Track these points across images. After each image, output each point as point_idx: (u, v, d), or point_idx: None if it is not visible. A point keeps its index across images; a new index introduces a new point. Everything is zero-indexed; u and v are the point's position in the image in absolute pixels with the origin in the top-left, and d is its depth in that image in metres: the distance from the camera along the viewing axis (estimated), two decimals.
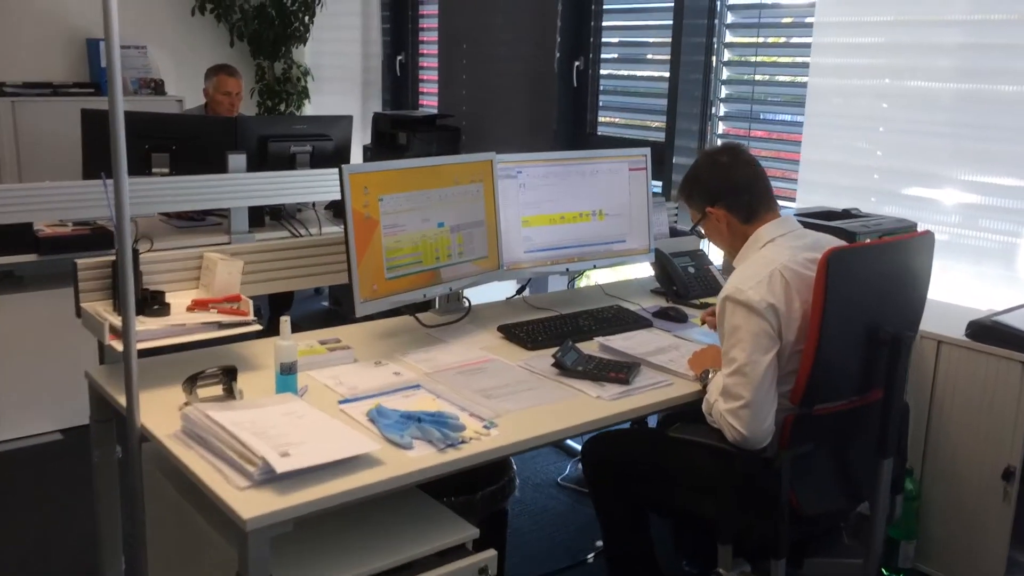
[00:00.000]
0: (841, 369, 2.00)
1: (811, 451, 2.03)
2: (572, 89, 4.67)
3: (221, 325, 2.17)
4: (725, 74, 4.06)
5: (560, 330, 2.54)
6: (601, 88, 4.67)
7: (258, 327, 2.21)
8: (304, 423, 1.83)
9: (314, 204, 4.15)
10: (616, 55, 4.57)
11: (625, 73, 4.58)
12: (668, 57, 4.14)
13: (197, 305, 2.23)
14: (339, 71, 6.22)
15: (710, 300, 2.94)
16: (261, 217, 3.95)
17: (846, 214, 3.09)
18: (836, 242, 2.14)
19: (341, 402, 2.05)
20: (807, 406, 1.98)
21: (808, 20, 3.62)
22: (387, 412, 1.95)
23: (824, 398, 1.99)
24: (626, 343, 2.46)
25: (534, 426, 1.96)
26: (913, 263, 2.10)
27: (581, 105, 4.69)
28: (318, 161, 4.08)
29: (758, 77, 3.88)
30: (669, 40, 4.11)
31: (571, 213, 2.80)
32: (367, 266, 2.26)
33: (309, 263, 2.55)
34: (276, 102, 6.25)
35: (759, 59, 3.90)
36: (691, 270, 3.04)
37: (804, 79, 3.57)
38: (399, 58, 5.86)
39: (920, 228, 2.95)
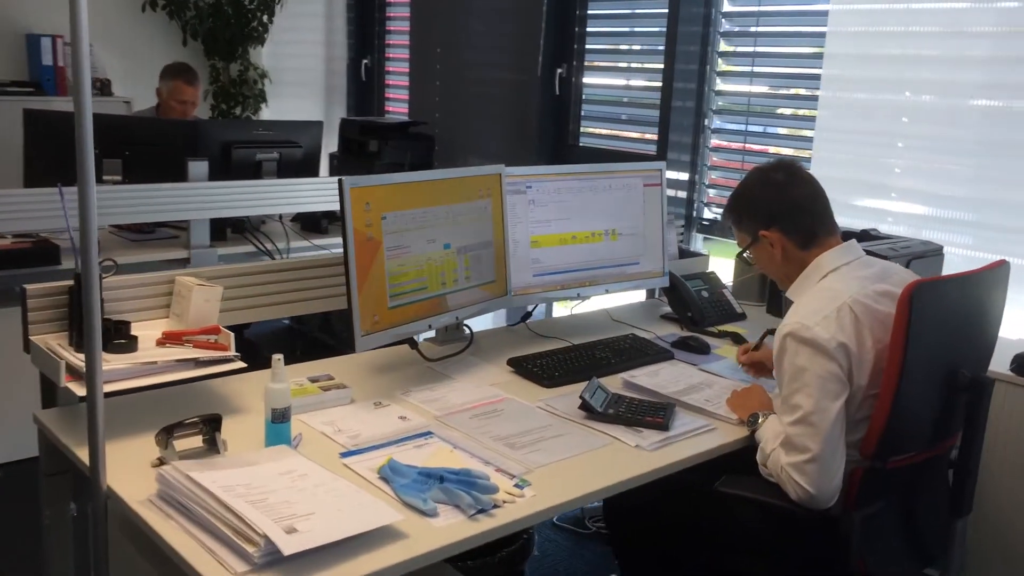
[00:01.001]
0: (919, 416, 1.77)
1: (881, 509, 1.79)
2: (554, 97, 4.42)
3: (199, 363, 1.85)
4: (719, 85, 3.85)
5: (576, 364, 2.28)
6: (584, 97, 4.43)
7: (241, 364, 1.90)
8: (309, 486, 1.53)
9: (281, 216, 3.83)
10: (602, 63, 4.33)
11: (611, 82, 4.35)
12: (658, 66, 3.92)
13: (169, 338, 1.91)
14: (300, 74, 5.88)
15: (728, 328, 2.70)
16: (223, 230, 3.61)
17: (866, 235, 2.88)
18: (906, 272, 1.91)
19: (344, 455, 1.75)
20: (880, 459, 1.74)
21: (810, 29, 3.44)
22: (402, 469, 1.66)
23: (899, 449, 1.76)
24: (653, 380, 2.21)
25: (572, 483, 1.69)
26: (989, 297, 1.89)
27: (563, 115, 4.44)
28: (286, 169, 3.77)
29: (755, 89, 3.68)
30: (660, 48, 3.90)
31: (583, 232, 2.54)
32: (368, 294, 1.97)
33: (295, 287, 2.24)
34: (231, 105, 5.88)
35: (755, 70, 3.69)
36: (704, 294, 2.80)
37: (805, 91, 3.38)
38: (364, 62, 5.56)
39: (946, 251, 2.76)
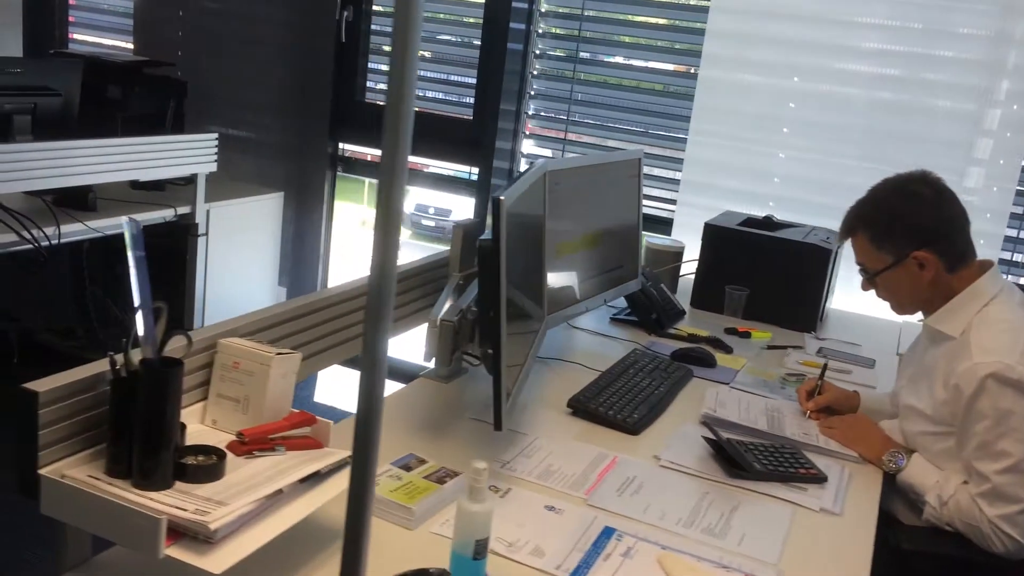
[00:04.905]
0: None
1: None
2: (339, 45, 3.78)
3: (320, 475, 1.21)
4: (540, 46, 3.57)
5: (633, 398, 1.90)
6: (372, 46, 3.85)
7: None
8: None
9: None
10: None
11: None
12: (476, 19, 3.54)
13: (253, 442, 1.22)
14: None
15: (695, 331, 2.47)
16: None
17: (769, 221, 2.83)
18: None
19: None
20: None
21: None
22: None
23: None
24: (730, 412, 1.92)
25: None
26: None
27: (349, 66, 3.83)
28: (41, 126, 2.77)
29: (583, 55, 3.46)
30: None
31: (590, 234, 2.14)
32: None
33: (339, 325, 1.58)
34: None
35: (583, 34, 3.47)
36: (654, 292, 2.55)
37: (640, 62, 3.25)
38: None
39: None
